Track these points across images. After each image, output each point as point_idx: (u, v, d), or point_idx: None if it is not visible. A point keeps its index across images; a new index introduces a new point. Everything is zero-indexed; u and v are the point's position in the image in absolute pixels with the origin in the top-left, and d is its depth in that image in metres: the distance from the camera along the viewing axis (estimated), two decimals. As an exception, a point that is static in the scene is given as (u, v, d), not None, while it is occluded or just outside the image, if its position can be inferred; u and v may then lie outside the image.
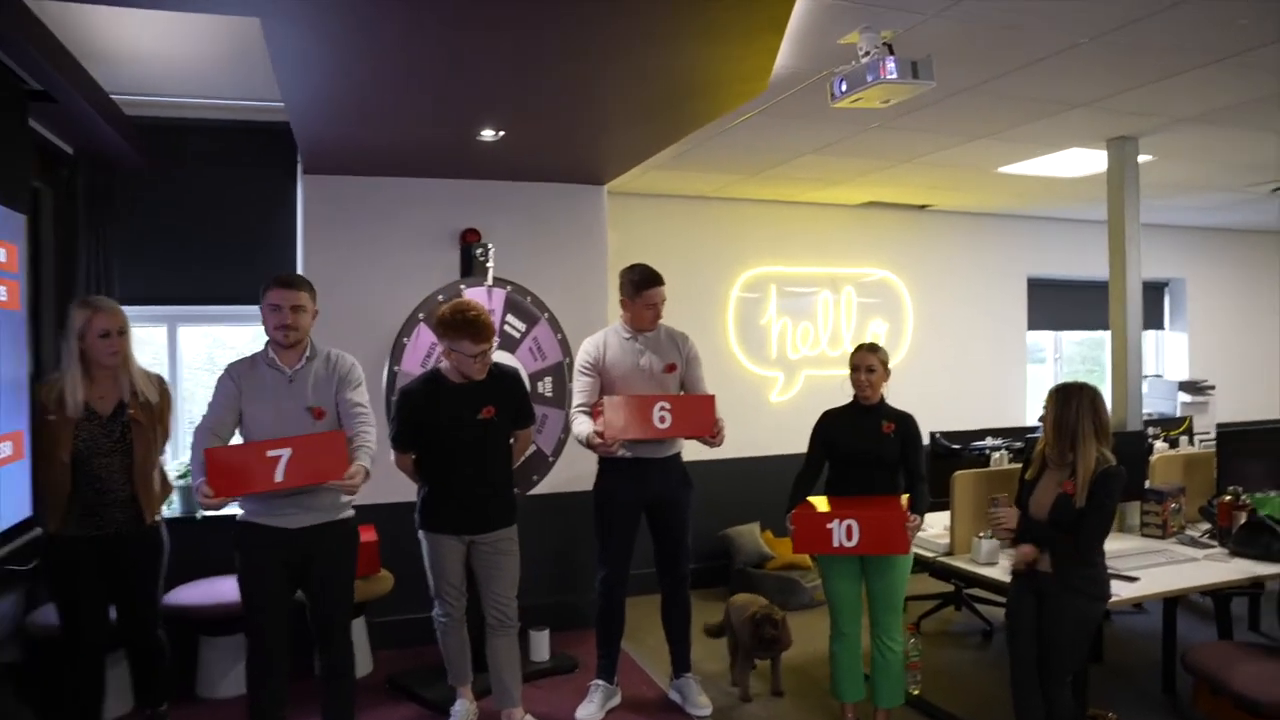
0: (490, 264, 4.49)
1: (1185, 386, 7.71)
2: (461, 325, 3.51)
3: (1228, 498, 4.28)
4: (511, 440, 3.83)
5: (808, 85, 3.77)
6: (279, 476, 3.02)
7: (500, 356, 4.39)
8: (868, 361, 3.77)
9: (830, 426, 3.85)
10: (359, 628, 4.61)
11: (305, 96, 3.79)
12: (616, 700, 4.19)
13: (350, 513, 3.43)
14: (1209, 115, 4.39)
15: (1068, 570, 3.22)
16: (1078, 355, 8.28)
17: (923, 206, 7.01)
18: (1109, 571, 3.37)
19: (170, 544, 3.56)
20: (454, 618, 3.82)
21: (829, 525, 3.43)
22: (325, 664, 3.46)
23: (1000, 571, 3.78)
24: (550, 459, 4.57)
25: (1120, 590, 3.51)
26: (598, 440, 3.72)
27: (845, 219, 6.86)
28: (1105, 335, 7.85)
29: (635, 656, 4.83)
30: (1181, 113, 4.35)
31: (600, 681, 4.13)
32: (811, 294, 6.70)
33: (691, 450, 6.25)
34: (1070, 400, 3.25)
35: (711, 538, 6.29)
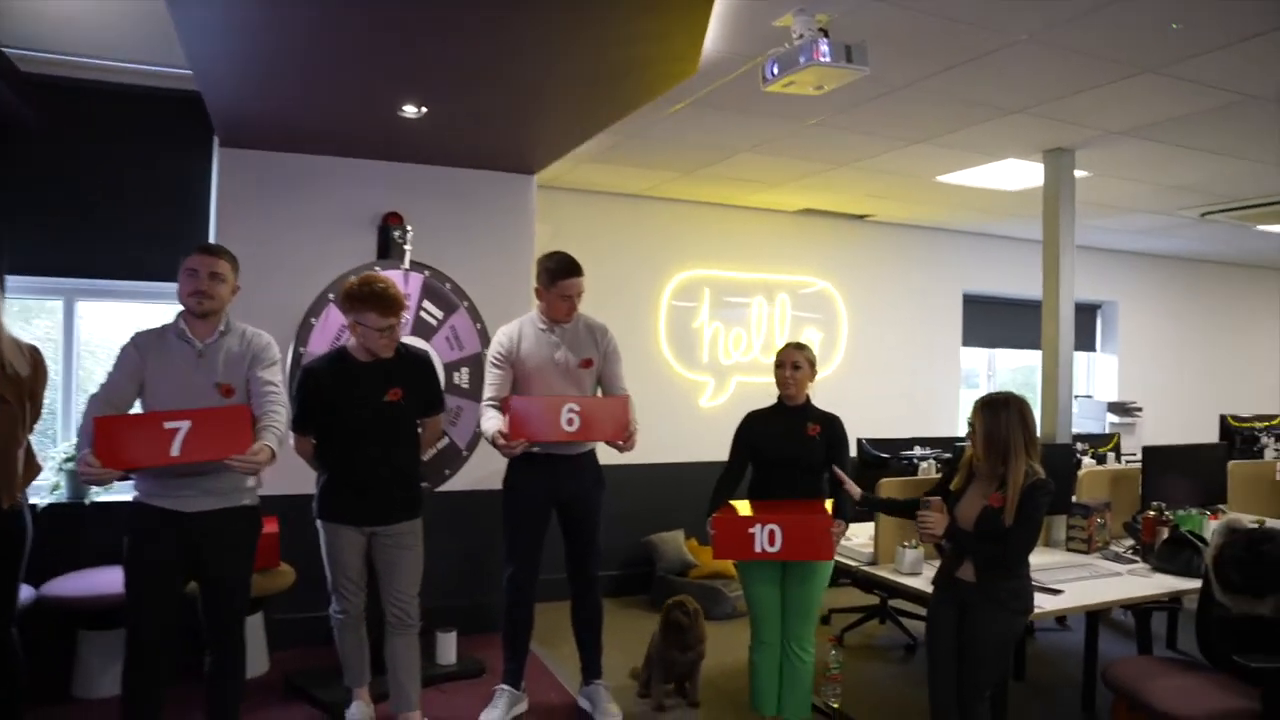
0: (408, 246, 4.29)
1: (1114, 408, 7.78)
2: (368, 297, 3.32)
3: (1151, 513, 4.24)
4: (420, 429, 3.63)
5: (741, 74, 3.66)
6: (175, 450, 2.80)
7: (415, 344, 4.20)
8: (793, 358, 3.65)
9: (754, 428, 3.72)
10: (256, 625, 4.36)
11: (212, 64, 3.59)
12: (523, 707, 3.99)
13: (254, 500, 3.22)
14: (1142, 130, 4.39)
15: (992, 582, 3.12)
16: (1011, 383, 8.30)
17: (862, 217, 6.96)
18: (1033, 584, 3.29)
19: (42, 532, 3.29)
20: (351, 614, 3.60)
21: (751, 530, 3.28)
22: (214, 662, 3.21)
23: (923, 582, 3.67)
24: (464, 453, 4.37)
25: (1043, 602, 3.42)
26: (501, 441, 3.53)
27: (783, 225, 6.78)
28: (1039, 357, 7.97)
29: (547, 662, 4.63)
30: (1115, 125, 4.33)
31: (505, 687, 3.92)
32: (746, 300, 6.59)
33: (614, 453, 6.22)
34: (999, 413, 3.15)
35: (634, 544, 6.14)
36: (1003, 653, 3.21)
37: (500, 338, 3.83)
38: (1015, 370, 8.33)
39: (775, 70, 3.02)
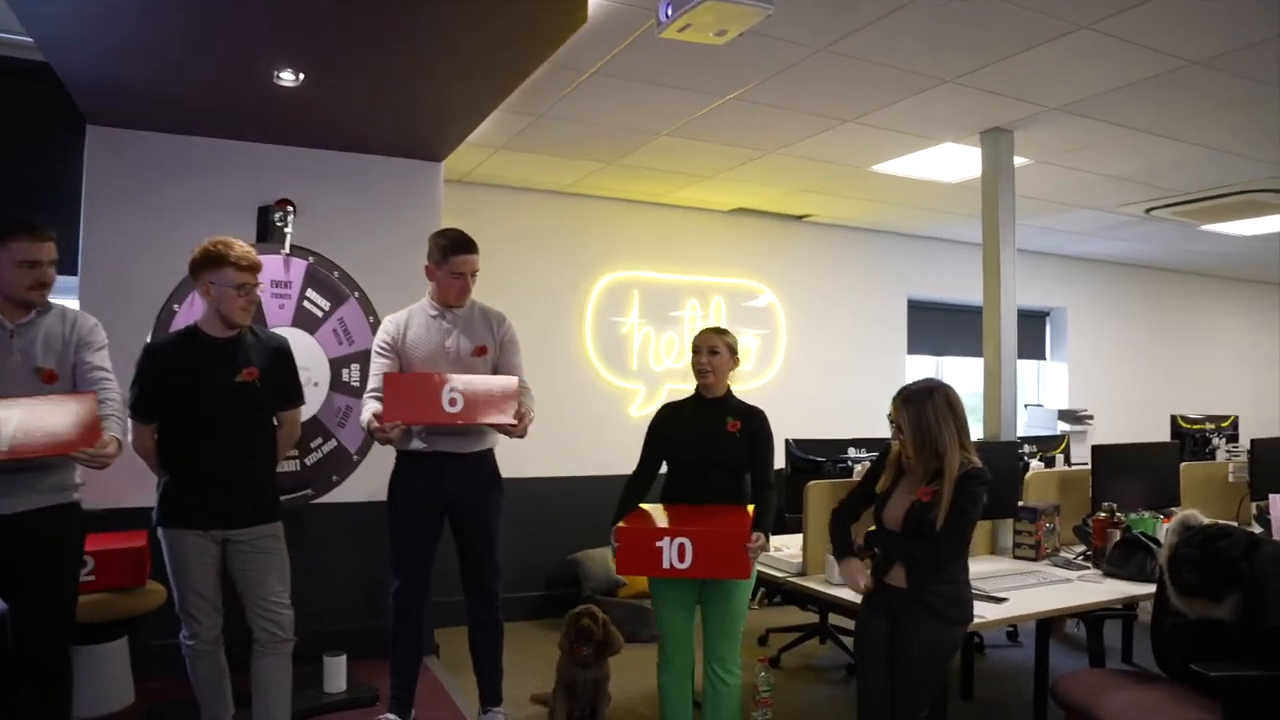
0: (289, 229, 3.88)
1: (1065, 416, 7.53)
2: (220, 254, 2.99)
3: (1102, 515, 3.92)
4: (276, 423, 3.23)
5: (642, 35, 3.33)
6: (3, 445, 2.49)
7: (298, 337, 3.80)
8: (711, 343, 3.29)
9: (667, 422, 3.35)
10: (120, 652, 3.90)
11: (52, 27, 3.21)
12: (412, 739, 3.56)
13: (77, 496, 2.88)
14: (1081, 104, 4.12)
15: (923, 586, 2.77)
16: (961, 393, 7.99)
17: (800, 217, 6.67)
18: (973, 591, 2.94)
19: None
20: (204, 639, 3.14)
21: (658, 544, 2.87)
22: (30, 691, 2.78)
23: (857, 594, 3.31)
24: (355, 457, 3.95)
25: (985, 612, 3.07)
26: (375, 425, 3.13)
27: (716, 226, 6.45)
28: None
29: (450, 689, 4.18)
30: (1053, 98, 4.06)
31: (391, 716, 3.48)
32: (677, 303, 6.24)
33: (536, 463, 5.99)
34: (924, 404, 2.82)
35: (560, 562, 5.73)
36: (937, 667, 2.85)
37: (386, 324, 3.45)
38: (963, 380, 8.05)
39: (669, 11, 2.68)
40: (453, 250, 3.35)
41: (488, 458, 3.48)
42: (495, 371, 3.45)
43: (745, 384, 6.27)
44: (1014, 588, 3.45)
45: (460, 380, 3.14)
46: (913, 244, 7.28)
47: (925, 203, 6.05)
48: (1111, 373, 8.42)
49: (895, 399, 2.89)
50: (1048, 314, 8.36)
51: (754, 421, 3.25)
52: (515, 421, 3.16)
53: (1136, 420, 7.94)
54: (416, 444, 3.36)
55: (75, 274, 4.16)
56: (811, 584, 3.49)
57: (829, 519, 3.09)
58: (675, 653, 3.24)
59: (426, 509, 3.39)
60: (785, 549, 3.95)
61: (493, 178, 5.57)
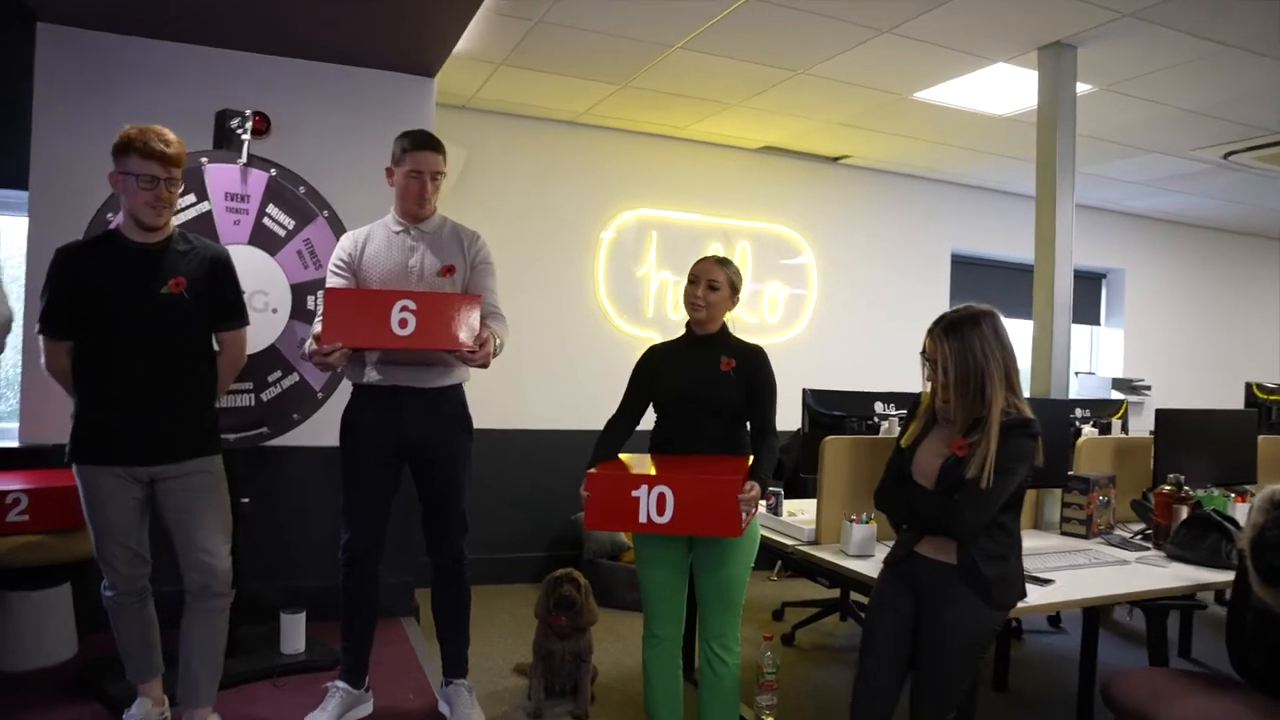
0: (246, 137, 3.44)
1: (1119, 385, 6.93)
2: (128, 138, 2.60)
3: (1167, 488, 3.39)
4: (216, 348, 2.85)
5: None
6: None
7: (255, 257, 3.38)
8: (711, 275, 2.82)
9: (655, 362, 2.90)
10: (63, 600, 3.55)
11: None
12: (364, 710, 3.16)
13: None
14: (1158, 11, 3.52)
15: (969, 558, 2.29)
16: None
17: (836, 159, 6.11)
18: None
19: None
20: (124, 591, 2.77)
21: (634, 493, 2.43)
22: None
23: (874, 566, 2.84)
24: (319, 395, 3.53)
25: (1030, 595, 2.57)
26: (314, 348, 2.70)
27: (744, 165, 5.92)
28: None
29: (423, 655, 3.79)
30: (1125, 1, 3.47)
31: (340, 684, 3.09)
32: (699, 247, 5.72)
33: (539, 414, 5.66)
34: (969, 334, 2.32)
35: (564, 523, 5.34)
36: (974, 658, 2.38)
37: (343, 241, 3.04)
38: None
39: None
40: (413, 146, 2.92)
41: (454, 394, 3.04)
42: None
43: (771, 337, 5.76)
44: (1062, 568, 2.96)
45: (412, 297, 2.69)
46: (958, 193, 6.68)
47: (973, 141, 5.46)
48: (1172, 342, 7.77)
49: (933, 329, 2.38)
50: (1104, 276, 7.72)
51: (751, 361, 2.79)
52: (476, 347, 2.70)
53: (1198, 394, 7.33)
54: (371, 375, 2.93)
55: (25, 189, 3.78)
56: (824, 554, 3.02)
57: (875, 502, 2.58)
58: (661, 625, 2.80)
59: (381, 451, 2.96)
60: (801, 513, 3.49)
61: (498, 103, 5.09)
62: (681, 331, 2.94)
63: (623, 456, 2.83)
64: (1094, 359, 7.74)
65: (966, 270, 6.81)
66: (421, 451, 2.98)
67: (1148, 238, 7.67)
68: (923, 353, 2.42)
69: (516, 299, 5.26)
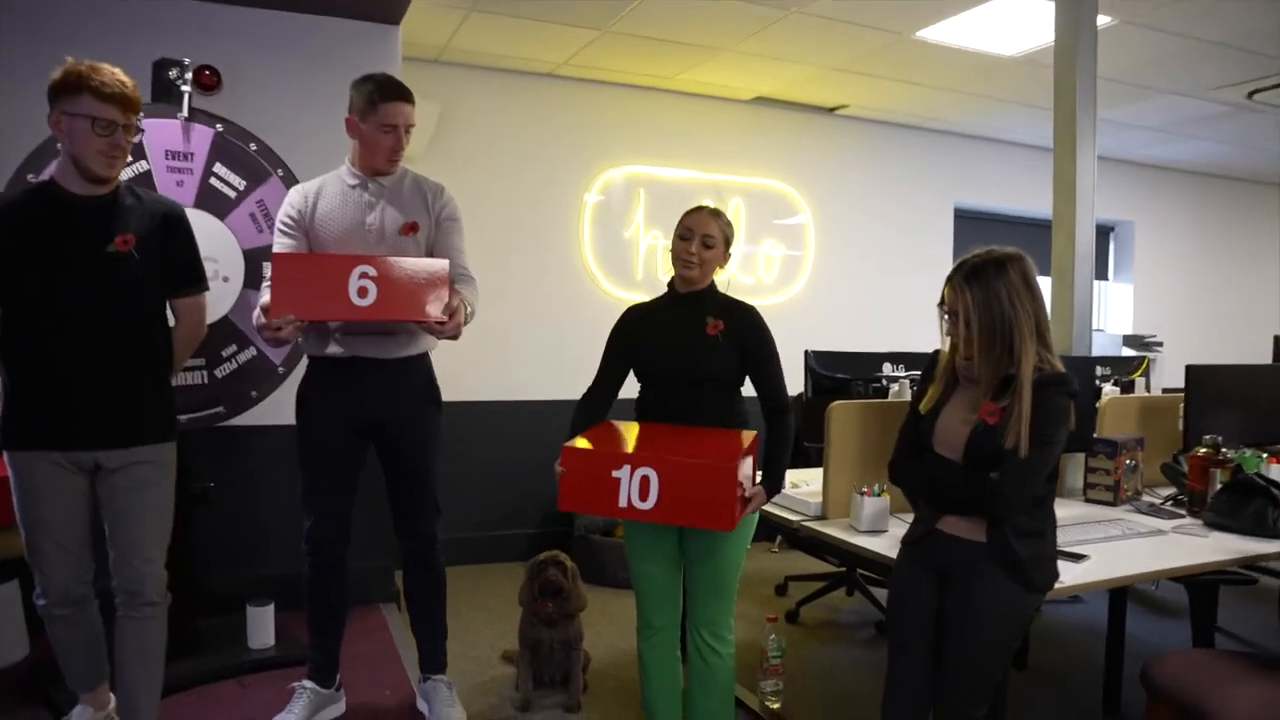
0: (187, 89, 3.12)
1: (1130, 341, 6.66)
2: (78, 76, 2.27)
3: (1203, 450, 3.12)
4: (171, 315, 2.57)
5: None
6: None
7: (203, 221, 3.07)
8: (706, 229, 2.52)
9: (633, 325, 2.60)
10: (11, 599, 3.27)
11: None
12: (337, 710, 2.92)
13: None
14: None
15: (1001, 536, 2.02)
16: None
17: (833, 109, 5.79)
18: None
19: None
20: (63, 601, 2.47)
21: (615, 473, 2.13)
22: None
23: (888, 543, 2.57)
24: (280, 369, 3.25)
25: (1063, 573, 2.30)
26: (263, 321, 2.41)
27: (736, 117, 5.59)
28: (1046, 282, 6.87)
29: (403, 647, 3.53)
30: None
31: (307, 684, 2.83)
32: (690, 205, 5.41)
33: (538, 386, 5.21)
34: (996, 280, 2.04)
35: (551, 497, 5.02)
36: (1007, 647, 2.12)
37: (292, 196, 2.73)
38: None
39: None
40: (382, 96, 2.59)
41: (420, 366, 2.76)
42: (428, 255, 2.71)
43: (768, 297, 5.47)
44: (1094, 540, 2.69)
45: (373, 262, 2.40)
46: (963, 145, 6.36)
47: (981, 86, 5.14)
48: (1184, 296, 7.49)
49: (952, 277, 2.10)
50: (1112, 229, 7.43)
51: (743, 320, 2.50)
52: (444, 318, 2.41)
53: (1211, 349, 7.05)
54: (333, 349, 2.64)
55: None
56: (832, 530, 2.75)
57: (890, 476, 2.30)
58: (656, 614, 2.54)
59: (342, 430, 2.68)
60: (806, 484, 3.22)
61: (472, 55, 4.76)
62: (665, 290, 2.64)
63: (613, 424, 2.54)
64: (1103, 315, 7.46)
65: (971, 225, 6.50)
66: (386, 429, 2.70)
67: (1159, 188, 7.36)
68: (941, 304, 2.13)
69: (497, 264, 4.98)
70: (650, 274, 5.33)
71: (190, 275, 2.58)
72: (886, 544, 2.58)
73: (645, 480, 2.10)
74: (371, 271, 2.37)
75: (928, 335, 6.44)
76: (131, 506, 2.43)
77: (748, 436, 2.37)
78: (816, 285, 5.81)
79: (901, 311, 6.00)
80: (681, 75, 5.09)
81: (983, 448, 2.02)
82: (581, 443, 2.26)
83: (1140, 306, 7.32)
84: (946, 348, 2.19)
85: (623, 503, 2.11)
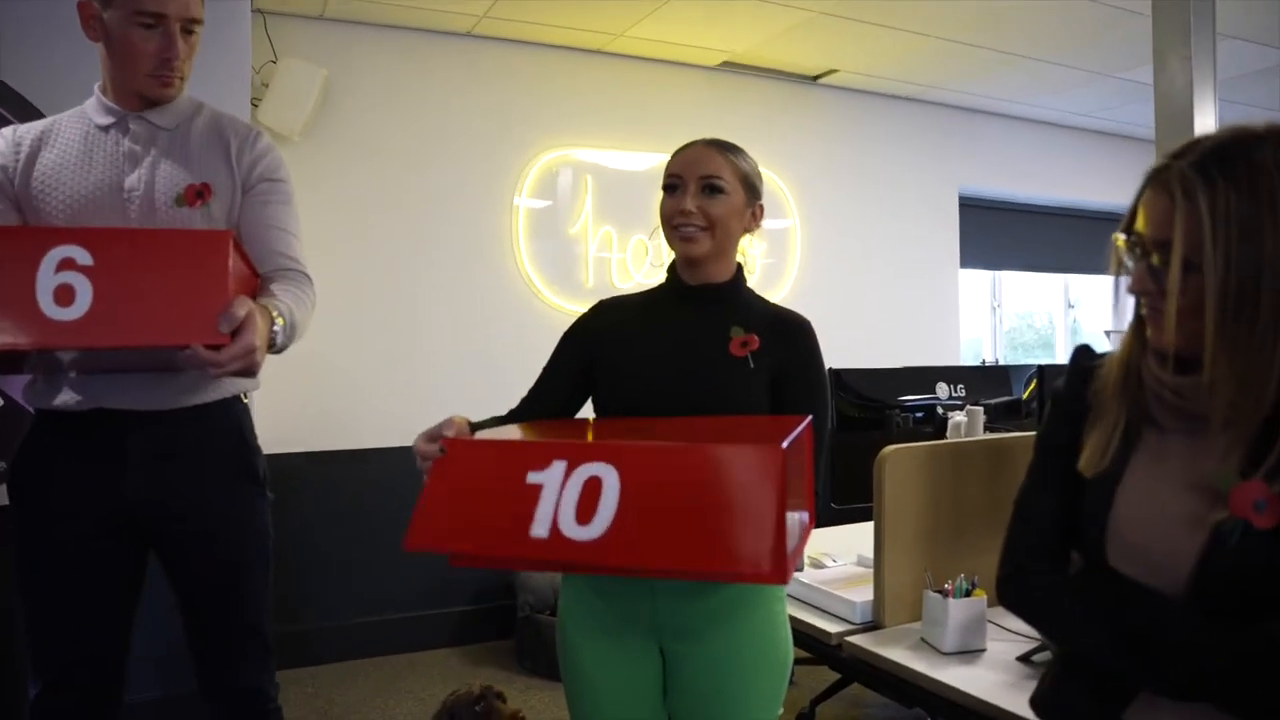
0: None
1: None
2: None
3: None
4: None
5: None
6: None
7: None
8: (704, 166, 1.52)
9: (604, 328, 1.60)
10: None
11: None
12: None
13: None
14: None
15: None
16: (1024, 327, 6.21)
17: (817, 77, 4.83)
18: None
19: None
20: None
21: (531, 477, 1.07)
22: None
23: (987, 674, 1.58)
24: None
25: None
26: None
27: (700, 87, 4.60)
28: (1064, 283, 6.07)
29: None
30: None
31: None
32: (646, 193, 4.40)
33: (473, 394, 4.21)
34: (1259, 185, 0.99)
35: (489, 570, 4.02)
36: None
37: (4, 131, 1.66)
38: (1021, 308, 6.25)
39: None
40: None
41: (224, 420, 1.69)
42: (238, 232, 1.66)
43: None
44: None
45: (87, 241, 1.33)
46: (971, 120, 5.42)
47: (999, 34, 4.20)
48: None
49: (1164, 174, 1.08)
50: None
51: (792, 341, 1.53)
52: (221, 339, 1.35)
53: None
54: (65, 397, 1.58)
55: None
56: (897, 652, 1.74)
57: (1007, 601, 1.25)
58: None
59: (89, 529, 1.60)
60: (833, 561, 2.23)
61: (363, 11, 3.74)
62: (659, 281, 1.64)
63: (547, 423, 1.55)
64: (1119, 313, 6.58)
65: (976, 215, 5.57)
66: (163, 524, 1.63)
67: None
68: (1130, 235, 1.12)
69: (404, 274, 3.95)
70: (603, 279, 4.31)
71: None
72: (983, 675, 1.59)
73: (592, 486, 1.04)
74: (83, 257, 1.31)
75: (931, 346, 5.44)
76: None
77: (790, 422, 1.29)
78: (801, 286, 4.81)
79: (899, 318, 5.06)
80: (629, 32, 4.09)
81: (1243, 571, 1.01)
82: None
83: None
84: (1119, 343, 1.20)
85: (540, 530, 1.04)
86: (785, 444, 1.02)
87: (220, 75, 2.90)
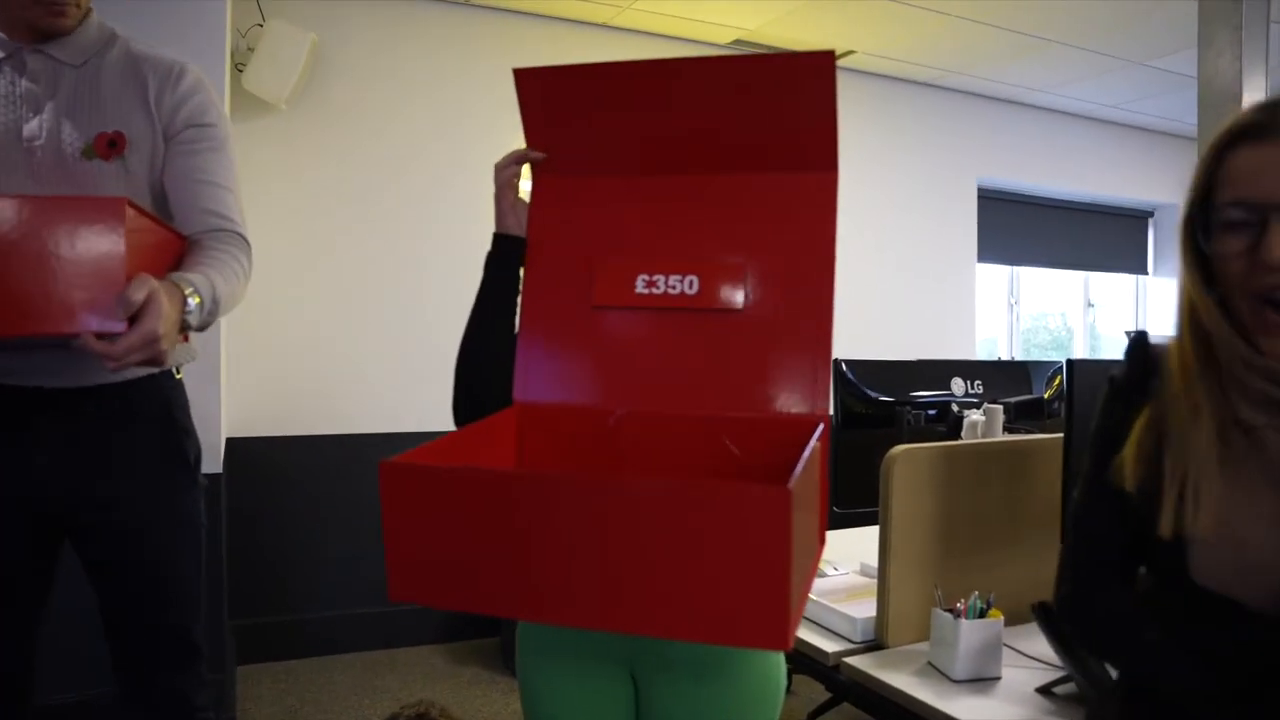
0: None
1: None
2: None
3: None
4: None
5: None
6: None
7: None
8: None
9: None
10: None
11: None
12: None
13: None
14: None
15: None
16: (1040, 326, 6.00)
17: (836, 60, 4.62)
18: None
19: None
20: None
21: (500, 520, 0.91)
22: None
23: (1006, 704, 1.40)
24: None
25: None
26: None
27: (712, 66, 4.40)
28: (1083, 278, 5.87)
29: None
30: None
31: None
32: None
33: (439, 413, 3.66)
34: None
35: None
36: None
37: None
38: (1037, 308, 6.04)
39: None
40: None
41: (149, 397, 1.50)
42: (160, 191, 1.48)
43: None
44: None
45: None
46: (989, 108, 5.22)
47: (1030, 18, 3.99)
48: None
49: (1259, 128, 0.92)
50: (1151, 215, 6.33)
51: None
52: (120, 324, 1.15)
53: None
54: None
55: None
56: (900, 678, 1.55)
57: (1068, 616, 1.11)
58: None
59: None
60: (834, 569, 2.05)
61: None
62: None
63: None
64: (1140, 314, 6.37)
65: (995, 208, 5.37)
66: (80, 514, 1.45)
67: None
68: (1224, 208, 0.96)
69: (400, 250, 3.79)
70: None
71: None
72: (1001, 708, 1.40)
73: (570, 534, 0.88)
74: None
75: (954, 344, 5.20)
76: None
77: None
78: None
79: (915, 314, 4.87)
80: (636, 5, 3.89)
81: None
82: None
83: (1187, 305, 6.22)
84: (1183, 337, 1.03)
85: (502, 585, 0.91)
86: (792, 483, 0.82)
87: (193, 34, 2.74)
